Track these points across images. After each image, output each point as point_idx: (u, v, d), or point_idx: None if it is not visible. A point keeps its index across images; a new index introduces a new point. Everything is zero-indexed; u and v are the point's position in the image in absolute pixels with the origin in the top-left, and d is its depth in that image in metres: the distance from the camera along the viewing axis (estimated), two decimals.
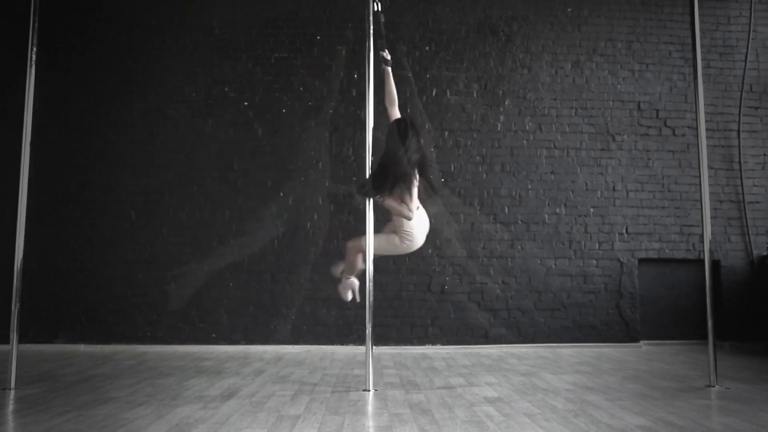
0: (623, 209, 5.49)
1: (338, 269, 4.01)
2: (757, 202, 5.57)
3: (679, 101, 5.63)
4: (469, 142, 5.45)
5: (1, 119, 5.26)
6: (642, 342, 5.35)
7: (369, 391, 3.35)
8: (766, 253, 5.47)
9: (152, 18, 5.48)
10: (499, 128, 5.49)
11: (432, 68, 5.50)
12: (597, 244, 5.43)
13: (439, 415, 2.79)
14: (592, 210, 5.47)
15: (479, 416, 2.76)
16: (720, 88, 5.68)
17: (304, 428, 2.55)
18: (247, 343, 5.15)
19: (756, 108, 5.67)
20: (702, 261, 3.74)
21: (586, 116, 5.57)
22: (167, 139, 5.36)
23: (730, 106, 5.66)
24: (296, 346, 5.14)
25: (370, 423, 2.65)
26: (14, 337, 3.47)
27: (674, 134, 5.61)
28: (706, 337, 3.55)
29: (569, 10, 5.66)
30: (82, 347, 5.10)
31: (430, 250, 5.19)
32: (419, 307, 5.25)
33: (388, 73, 3.78)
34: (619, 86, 5.61)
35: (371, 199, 3.59)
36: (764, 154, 5.64)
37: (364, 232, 3.60)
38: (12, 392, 3.28)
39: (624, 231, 5.47)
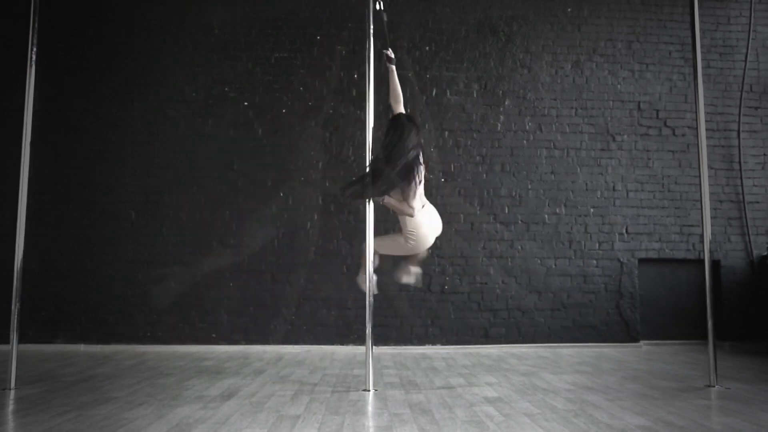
0: (623, 209, 5.49)
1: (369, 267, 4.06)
2: (757, 202, 5.57)
3: (679, 101, 5.64)
4: (469, 142, 5.45)
5: (1, 119, 5.26)
6: (642, 342, 5.35)
7: (369, 391, 3.35)
8: (766, 253, 5.47)
9: (152, 18, 5.48)
10: (499, 128, 5.49)
11: (432, 68, 5.50)
12: (597, 244, 5.43)
13: (439, 415, 2.79)
14: (592, 210, 5.47)
15: (479, 416, 2.76)
16: (720, 88, 5.68)
17: (304, 428, 2.55)
18: (247, 343, 5.15)
19: (756, 108, 5.67)
20: (702, 261, 3.74)
21: (586, 116, 5.57)
22: (167, 139, 5.36)
23: (730, 106, 5.66)
24: (296, 346, 5.14)
25: (370, 423, 2.65)
26: (14, 337, 3.47)
27: (674, 134, 5.61)
28: (706, 337, 3.55)
29: (569, 10, 5.66)
30: (82, 347, 5.10)
31: (430, 250, 5.18)
32: (419, 307, 5.25)
33: (392, 71, 3.72)
34: (619, 86, 5.61)
35: (371, 200, 3.56)
36: (764, 154, 5.64)
37: (364, 232, 3.60)
38: (12, 392, 3.28)
39: (624, 231, 5.47)
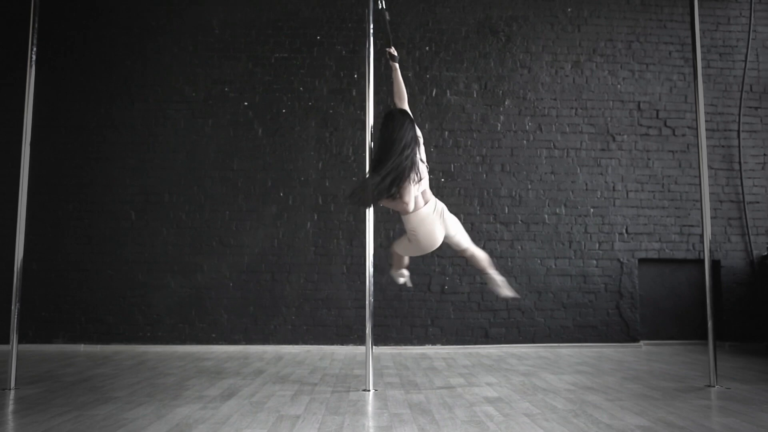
0: (623, 209, 5.49)
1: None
2: (757, 202, 5.57)
3: (679, 101, 5.64)
4: (469, 142, 5.46)
5: (1, 119, 5.26)
6: (642, 342, 5.35)
7: (369, 391, 3.35)
8: (766, 253, 5.47)
9: (152, 18, 5.48)
10: (499, 128, 5.50)
11: (432, 68, 5.51)
12: (597, 244, 5.43)
13: (439, 415, 2.79)
14: (592, 210, 5.47)
15: (479, 416, 2.76)
16: (720, 88, 5.68)
17: (304, 428, 2.55)
18: (247, 343, 5.15)
19: (756, 108, 5.68)
20: (702, 261, 3.74)
21: (586, 116, 5.57)
22: (167, 139, 5.37)
23: (730, 106, 5.66)
24: (296, 346, 5.14)
25: (370, 423, 2.65)
26: (14, 337, 3.47)
27: (674, 134, 5.61)
28: (706, 337, 3.55)
29: (569, 10, 5.66)
30: (82, 347, 5.10)
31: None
32: (419, 307, 5.25)
33: (395, 69, 3.66)
34: (619, 86, 5.62)
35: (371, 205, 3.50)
36: (764, 154, 5.64)
37: (364, 232, 3.59)
38: (12, 392, 3.28)
39: (624, 231, 5.47)
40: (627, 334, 5.33)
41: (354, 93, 5.40)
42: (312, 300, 5.21)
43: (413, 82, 5.40)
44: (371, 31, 3.69)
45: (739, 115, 5.63)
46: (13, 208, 3.67)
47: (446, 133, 5.45)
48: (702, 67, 4.07)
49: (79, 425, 2.58)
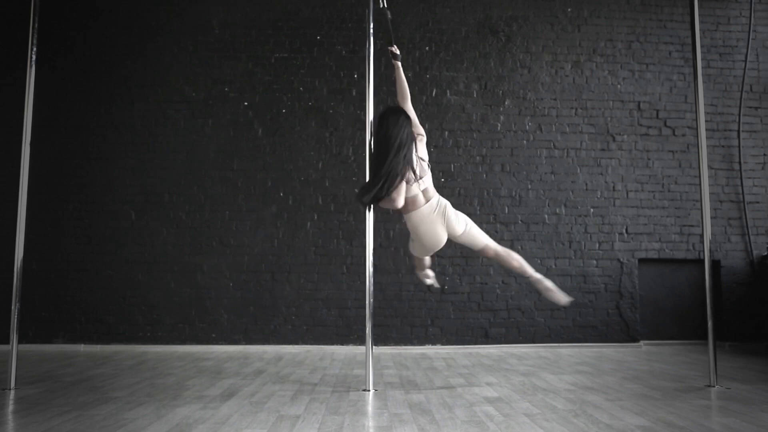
0: (623, 209, 5.49)
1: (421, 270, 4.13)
2: (757, 202, 5.57)
3: (679, 101, 5.64)
4: (469, 142, 5.46)
5: (1, 119, 5.26)
6: (642, 342, 5.35)
7: (369, 391, 3.35)
8: (766, 253, 5.47)
9: (152, 18, 5.48)
10: (499, 128, 5.49)
11: (432, 68, 5.51)
12: (597, 244, 5.43)
13: (439, 415, 2.79)
14: (592, 210, 5.47)
15: (479, 416, 2.76)
16: (720, 88, 5.68)
17: (304, 428, 2.55)
18: (247, 343, 5.15)
19: (756, 108, 5.67)
20: (702, 261, 3.74)
21: (586, 116, 5.57)
22: (167, 139, 5.37)
23: (730, 106, 5.66)
24: (296, 346, 5.14)
25: (370, 423, 2.65)
26: (14, 337, 3.47)
27: (674, 134, 5.61)
28: (706, 337, 3.55)
29: (569, 10, 5.66)
30: (82, 347, 5.10)
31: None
32: (419, 307, 5.25)
33: (398, 67, 3.62)
34: (619, 86, 5.61)
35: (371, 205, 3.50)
36: (764, 154, 5.64)
37: (364, 232, 3.59)
38: (12, 392, 3.28)
39: (624, 231, 5.47)
40: (627, 334, 5.33)
41: (354, 93, 5.40)
42: (312, 300, 5.21)
43: (413, 82, 5.39)
44: (371, 31, 3.69)
45: (739, 115, 5.63)
46: (13, 208, 3.67)
47: (446, 133, 5.45)
48: (702, 67, 4.07)
49: (79, 425, 2.58)
